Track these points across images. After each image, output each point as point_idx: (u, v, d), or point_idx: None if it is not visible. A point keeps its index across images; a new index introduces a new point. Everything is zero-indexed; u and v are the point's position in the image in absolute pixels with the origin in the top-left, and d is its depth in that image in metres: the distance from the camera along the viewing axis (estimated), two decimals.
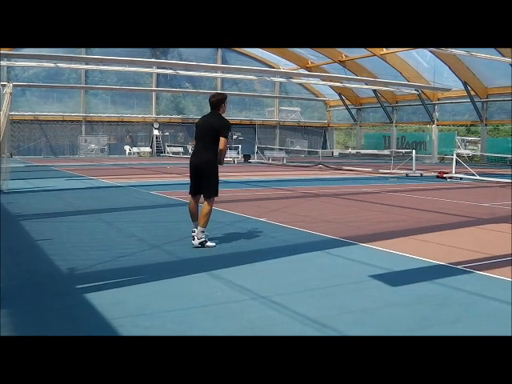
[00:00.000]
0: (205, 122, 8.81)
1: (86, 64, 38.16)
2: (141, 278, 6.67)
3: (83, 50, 45.31)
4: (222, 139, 8.38)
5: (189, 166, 8.77)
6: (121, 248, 8.33)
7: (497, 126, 49.58)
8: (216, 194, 8.57)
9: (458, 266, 7.30)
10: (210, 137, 8.47)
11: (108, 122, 51.74)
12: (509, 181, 22.23)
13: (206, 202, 8.50)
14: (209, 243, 8.39)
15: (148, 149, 53.60)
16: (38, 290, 6.07)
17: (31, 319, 5.14)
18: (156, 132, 53.89)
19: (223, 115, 8.74)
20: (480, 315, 5.41)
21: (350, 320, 5.20)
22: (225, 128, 8.48)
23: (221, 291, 6.12)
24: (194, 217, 8.61)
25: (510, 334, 4.74)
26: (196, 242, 8.37)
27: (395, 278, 6.77)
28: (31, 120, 47.80)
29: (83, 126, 51.17)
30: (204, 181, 8.48)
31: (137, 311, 5.36)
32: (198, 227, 8.39)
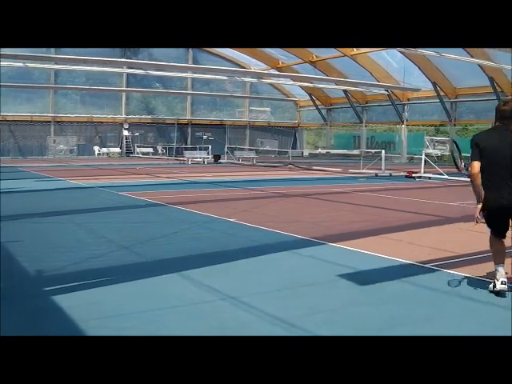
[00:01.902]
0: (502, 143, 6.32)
1: (56, 64, 37.78)
2: (111, 279, 6.63)
3: (52, 49, 44.92)
4: None
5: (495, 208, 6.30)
6: (90, 249, 8.27)
7: (465, 126, 50.02)
8: None
9: (427, 265, 7.36)
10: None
11: (77, 122, 51.35)
12: None
13: None
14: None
15: (117, 149, 53.30)
16: (5, 292, 6.00)
17: None
18: (126, 132, 53.61)
19: None
20: (449, 313, 5.45)
21: (318, 320, 5.22)
22: None
23: (191, 292, 6.11)
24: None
25: (487, 334, 4.78)
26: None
27: (364, 278, 6.80)
28: None
29: (52, 127, 50.71)
30: None
31: (107, 313, 5.33)
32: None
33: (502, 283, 6.06)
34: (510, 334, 4.75)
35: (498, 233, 6.35)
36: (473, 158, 6.48)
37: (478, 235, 9.77)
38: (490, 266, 7.37)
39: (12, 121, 48.16)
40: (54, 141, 50.61)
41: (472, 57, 34.03)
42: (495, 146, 6.29)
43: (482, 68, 38.56)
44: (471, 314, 5.50)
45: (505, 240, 6.36)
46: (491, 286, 6.17)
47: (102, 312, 5.36)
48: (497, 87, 40.45)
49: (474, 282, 6.53)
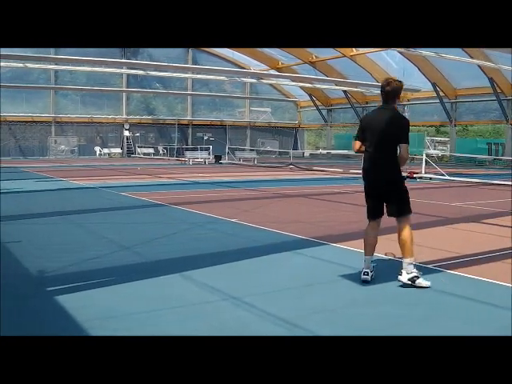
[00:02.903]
0: (379, 122, 6.64)
1: (56, 64, 37.79)
2: (112, 279, 6.63)
3: (52, 49, 44.95)
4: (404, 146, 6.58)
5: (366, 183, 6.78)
6: (91, 250, 8.27)
7: (465, 126, 50.14)
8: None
9: (428, 265, 7.36)
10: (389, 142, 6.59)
11: (78, 122, 51.45)
12: (477, 180, 22.49)
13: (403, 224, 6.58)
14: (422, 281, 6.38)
15: (118, 150, 53.39)
16: (6, 293, 6.01)
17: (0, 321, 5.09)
18: (126, 133, 53.69)
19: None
20: (449, 314, 5.46)
21: (320, 320, 5.23)
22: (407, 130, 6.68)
23: (192, 292, 6.12)
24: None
25: (487, 334, 4.79)
26: (404, 277, 6.36)
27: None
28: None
29: (53, 127, 50.81)
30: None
31: (107, 313, 5.34)
32: (405, 259, 6.41)
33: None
34: (510, 334, 4.76)
35: (369, 213, 6.72)
36: (355, 137, 6.82)
37: (480, 236, 9.80)
38: (492, 267, 7.41)
39: (12, 121, 48.27)
40: (55, 141, 50.70)
41: (471, 57, 34.05)
42: (377, 126, 6.56)
43: (481, 69, 38.58)
44: (472, 313, 5.51)
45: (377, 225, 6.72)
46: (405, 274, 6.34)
47: (103, 312, 5.36)
48: (496, 88, 40.51)
49: (474, 283, 6.55)
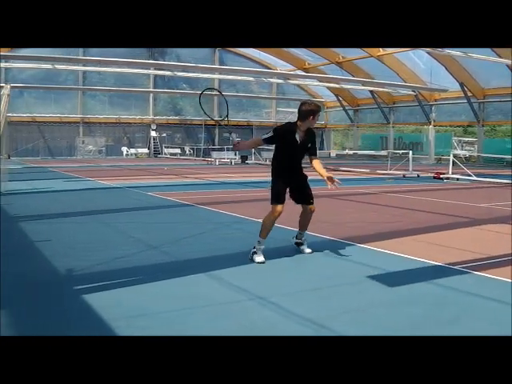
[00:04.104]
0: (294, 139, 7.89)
1: (84, 65, 38.10)
2: (139, 279, 6.68)
3: (81, 50, 45.34)
4: None
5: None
6: (119, 249, 8.34)
7: (494, 126, 49.65)
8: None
9: (455, 267, 7.32)
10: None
11: (105, 123, 51.82)
12: (506, 181, 22.27)
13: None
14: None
15: (145, 150, 53.66)
16: (35, 291, 6.08)
17: (29, 320, 5.15)
18: (153, 133, 53.93)
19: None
20: (477, 315, 5.42)
21: (347, 320, 5.23)
22: None
23: (219, 292, 6.14)
24: None
25: (509, 334, 4.76)
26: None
27: (392, 279, 6.78)
28: (29, 121, 47.84)
29: (81, 128, 51.24)
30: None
31: (135, 312, 5.37)
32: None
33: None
34: (510, 334, 4.73)
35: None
36: (262, 136, 8.09)
37: (508, 237, 9.70)
38: None
39: (41, 122, 48.75)
40: (83, 141, 51.10)
41: (500, 57, 33.69)
42: (289, 139, 7.80)
43: (509, 68, 38.17)
44: (498, 315, 5.46)
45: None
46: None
47: (131, 311, 5.40)
48: None
49: (503, 285, 6.50)
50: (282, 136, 7.82)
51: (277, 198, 7.78)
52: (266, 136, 7.89)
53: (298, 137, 7.79)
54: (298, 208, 8.20)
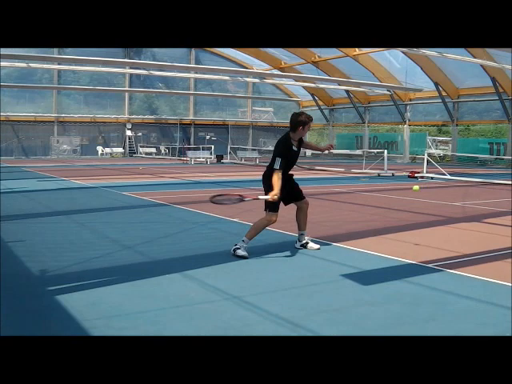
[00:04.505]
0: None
1: (59, 64, 37.79)
2: (114, 279, 6.65)
3: (56, 49, 45.00)
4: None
5: None
6: (94, 249, 8.29)
7: (467, 126, 50.01)
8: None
9: (429, 265, 7.37)
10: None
11: (80, 122, 51.52)
12: (479, 180, 22.48)
13: None
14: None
15: (121, 149, 53.44)
16: (9, 292, 6.03)
17: (2, 321, 5.10)
18: (129, 132, 53.71)
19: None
20: (452, 313, 5.46)
21: (322, 320, 5.24)
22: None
23: (194, 292, 6.13)
24: None
25: (483, 332, 4.80)
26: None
27: (367, 278, 6.81)
28: (2, 120, 47.35)
29: (55, 127, 50.87)
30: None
31: (110, 312, 5.35)
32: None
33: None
34: (510, 334, 4.77)
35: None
36: (275, 167, 8.02)
37: (481, 235, 9.80)
38: (493, 266, 7.41)
39: (15, 121, 48.34)
40: (58, 141, 50.75)
41: (474, 57, 34.00)
42: (290, 153, 8.18)
43: (484, 68, 38.56)
44: (472, 313, 5.51)
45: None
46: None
47: (106, 311, 5.37)
48: (499, 87, 40.47)
49: (476, 282, 6.56)
50: (285, 155, 8.01)
51: (274, 207, 8.07)
52: (278, 165, 7.90)
53: (294, 148, 8.23)
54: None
